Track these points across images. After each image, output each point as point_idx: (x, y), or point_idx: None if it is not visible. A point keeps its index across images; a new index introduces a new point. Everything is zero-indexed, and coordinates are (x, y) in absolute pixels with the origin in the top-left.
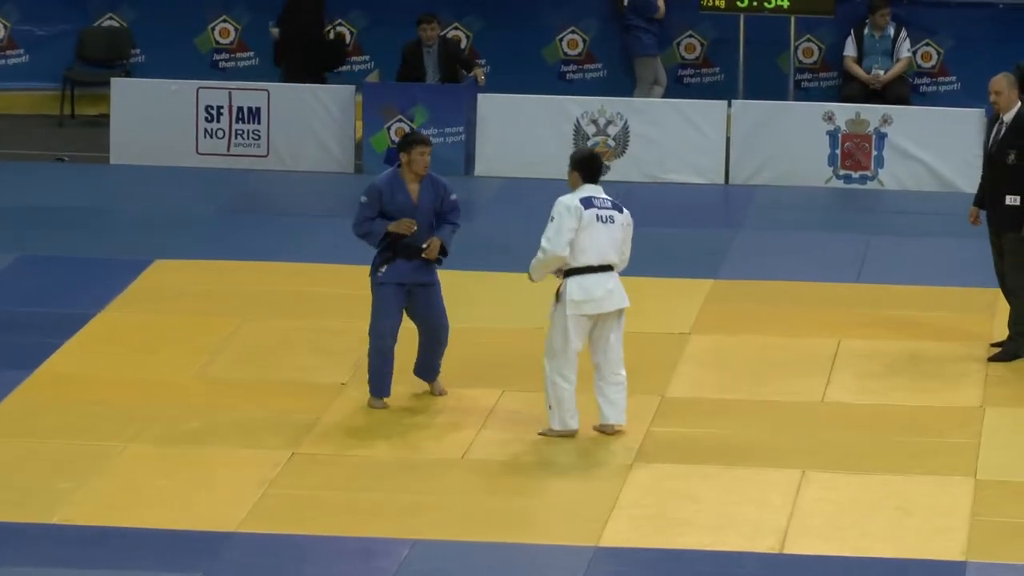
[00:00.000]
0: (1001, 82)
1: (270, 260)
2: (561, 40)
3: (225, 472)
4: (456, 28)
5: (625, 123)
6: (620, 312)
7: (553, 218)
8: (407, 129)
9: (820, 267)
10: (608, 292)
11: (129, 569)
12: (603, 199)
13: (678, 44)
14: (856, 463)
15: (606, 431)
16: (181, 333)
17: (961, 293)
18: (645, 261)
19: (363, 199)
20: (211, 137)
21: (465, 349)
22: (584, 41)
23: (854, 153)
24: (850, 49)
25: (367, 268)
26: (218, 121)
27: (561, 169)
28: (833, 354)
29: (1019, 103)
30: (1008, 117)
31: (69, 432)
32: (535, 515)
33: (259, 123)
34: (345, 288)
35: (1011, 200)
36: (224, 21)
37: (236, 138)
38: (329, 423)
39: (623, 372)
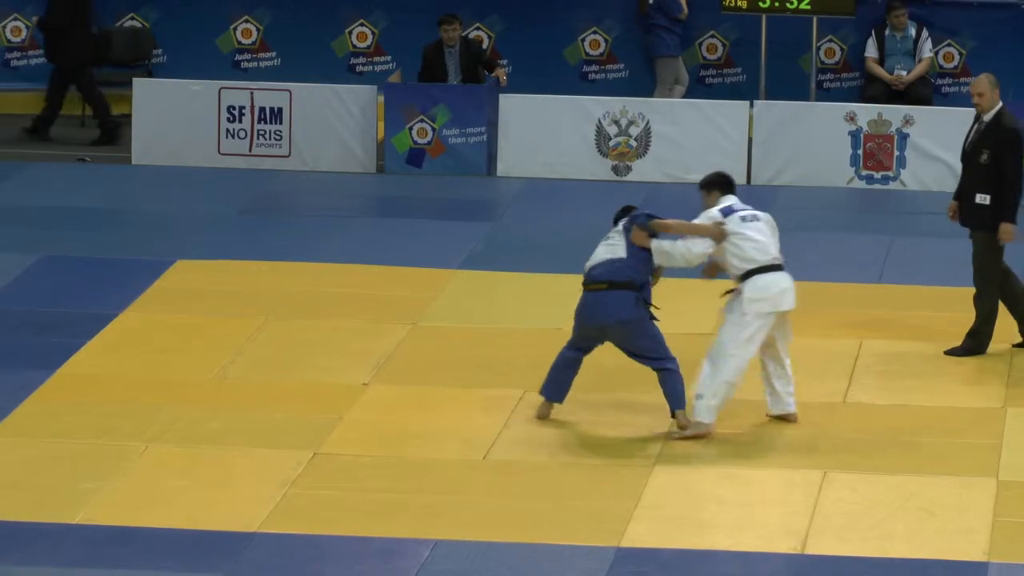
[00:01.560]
0: (984, 83)
1: (292, 260)
2: (583, 40)
3: (246, 472)
4: (478, 28)
5: (647, 123)
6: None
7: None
8: (428, 130)
9: (842, 267)
10: (783, 291)
11: (150, 569)
12: (742, 205)
13: (700, 44)
14: (877, 464)
15: (791, 419)
16: (203, 334)
17: None
18: None
19: None
20: (233, 137)
21: (486, 349)
22: (606, 41)
23: (876, 154)
24: (871, 50)
25: (388, 268)
26: (240, 121)
27: (583, 169)
28: (855, 354)
29: (1000, 104)
30: (987, 117)
31: (91, 432)
32: (556, 516)
33: (281, 123)
34: (367, 288)
35: (981, 199)
36: (246, 21)
37: (258, 138)
38: (351, 423)
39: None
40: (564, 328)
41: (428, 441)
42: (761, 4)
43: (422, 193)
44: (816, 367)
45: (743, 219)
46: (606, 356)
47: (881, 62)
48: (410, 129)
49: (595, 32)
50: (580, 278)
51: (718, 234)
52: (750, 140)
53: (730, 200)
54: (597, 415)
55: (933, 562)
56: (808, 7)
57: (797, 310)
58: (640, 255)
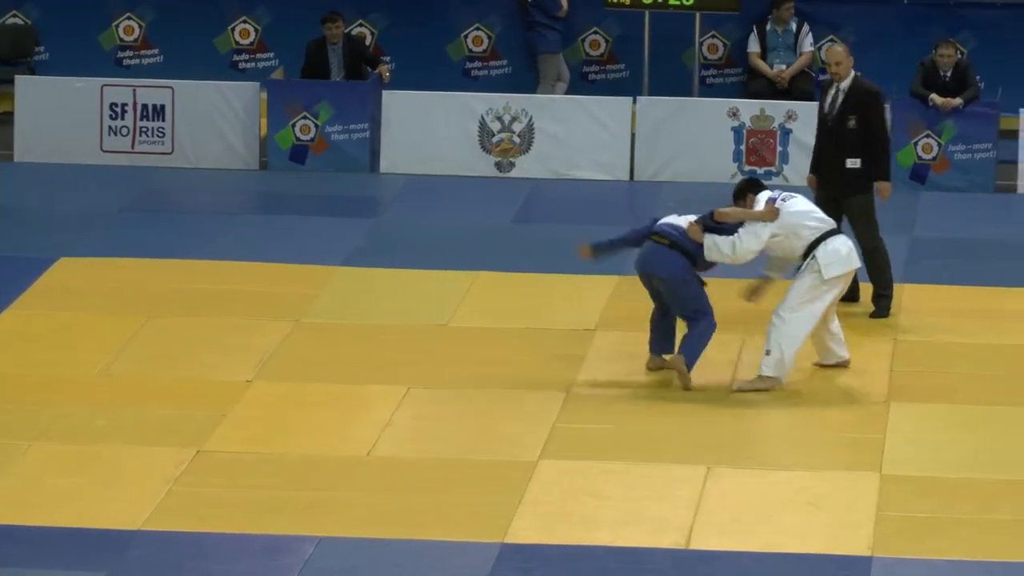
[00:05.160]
0: (840, 53)
1: (175, 258)
2: (466, 37)
3: (130, 470)
4: (361, 25)
5: (530, 120)
6: None
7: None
8: (312, 126)
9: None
10: (850, 250)
11: (34, 568)
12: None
13: (583, 41)
14: (762, 459)
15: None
16: (86, 331)
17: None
18: (549, 258)
19: None
20: (115, 135)
21: (370, 346)
22: (489, 38)
23: (759, 149)
24: (754, 45)
25: (271, 265)
26: (122, 119)
27: (466, 165)
28: (739, 349)
29: (853, 72)
30: (845, 85)
31: None
32: (441, 512)
33: (164, 120)
34: (250, 286)
35: (852, 163)
36: (128, 19)
37: (141, 135)
38: (235, 421)
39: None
40: (447, 323)
41: (312, 438)
42: (644, 0)
43: (305, 190)
44: (701, 361)
45: (783, 200)
46: (489, 351)
47: (763, 57)
48: (293, 126)
49: (478, 29)
50: (465, 274)
51: (772, 214)
52: (633, 136)
53: (765, 195)
54: (482, 410)
55: (819, 556)
56: (691, 3)
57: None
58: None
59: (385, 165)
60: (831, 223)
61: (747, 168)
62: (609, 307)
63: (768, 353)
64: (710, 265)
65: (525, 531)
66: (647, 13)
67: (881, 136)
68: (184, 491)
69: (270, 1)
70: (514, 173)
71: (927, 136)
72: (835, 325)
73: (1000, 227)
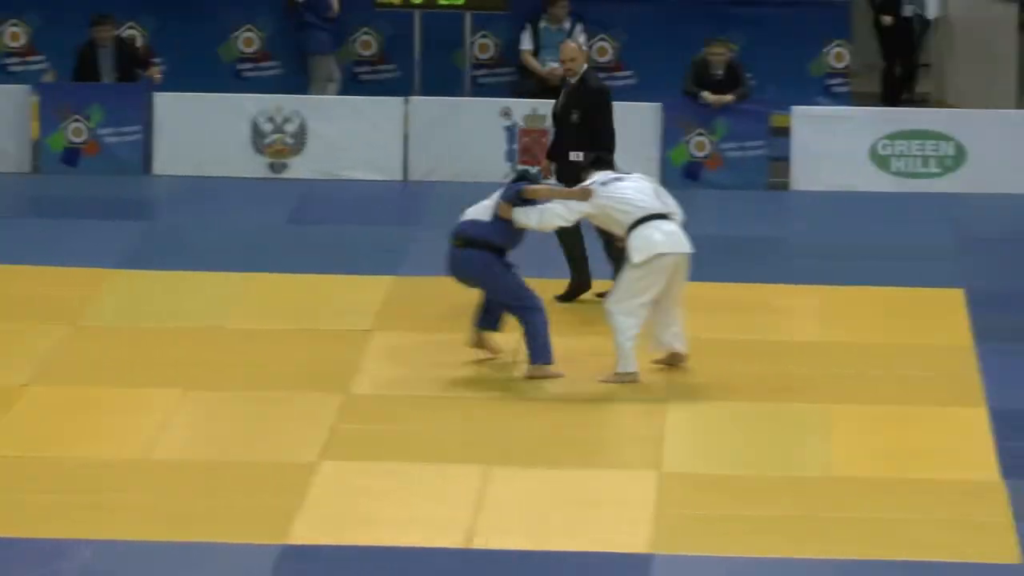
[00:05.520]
0: (574, 49)
1: None
2: (237, 38)
3: None
4: (131, 27)
5: (302, 121)
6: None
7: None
8: (84, 129)
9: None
10: (665, 234)
11: None
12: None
13: (354, 41)
14: (540, 458)
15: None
16: None
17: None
18: (324, 258)
19: None
20: None
21: (146, 349)
22: (260, 39)
23: (532, 148)
24: (527, 43)
25: (45, 268)
26: None
27: (239, 167)
28: (515, 351)
29: (585, 67)
30: (574, 80)
31: None
32: (220, 514)
33: None
34: (23, 289)
35: (575, 156)
36: None
37: None
38: (10, 425)
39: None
40: (223, 325)
41: (89, 441)
42: (414, 1)
43: (78, 192)
44: (476, 364)
45: (603, 183)
46: (265, 352)
47: (536, 55)
48: (65, 128)
49: (249, 30)
50: (240, 275)
51: (583, 194)
52: (406, 136)
53: (598, 176)
54: (260, 412)
55: (598, 555)
56: (461, 3)
57: (456, 306)
58: (504, 224)
59: (158, 167)
60: (652, 208)
61: (520, 168)
62: (384, 308)
63: (617, 348)
64: (517, 240)
65: (305, 532)
66: (417, 13)
67: (603, 133)
68: None
69: (40, 3)
70: (287, 174)
71: (699, 134)
72: (672, 316)
73: (773, 224)
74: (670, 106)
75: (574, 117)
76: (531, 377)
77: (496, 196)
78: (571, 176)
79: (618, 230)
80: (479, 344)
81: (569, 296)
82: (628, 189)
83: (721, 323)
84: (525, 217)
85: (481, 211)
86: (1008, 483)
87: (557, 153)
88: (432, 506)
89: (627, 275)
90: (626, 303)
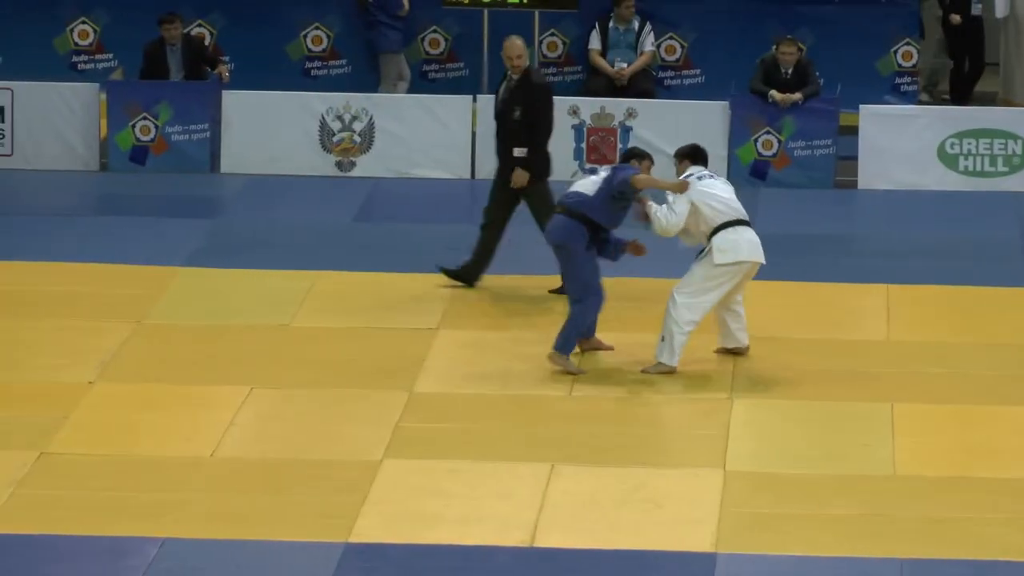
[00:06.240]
0: (520, 47)
1: (14, 260)
2: (305, 36)
3: None
4: (200, 26)
5: (371, 119)
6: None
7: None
8: (152, 127)
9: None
10: (749, 243)
11: None
12: (702, 171)
13: (422, 40)
14: (605, 456)
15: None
16: None
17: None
18: (390, 257)
19: None
20: None
21: (212, 346)
22: (328, 37)
23: (599, 147)
24: (595, 42)
25: (112, 266)
26: None
27: (306, 165)
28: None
29: (528, 63)
30: (517, 76)
31: None
32: (285, 512)
33: (3, 122)
34: (90, 287)
35: (518, 152)
36: None
37: None
38: (77, 423)
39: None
40: (289, 324)
41: (155, 439)
42: None
43: (145, 191)
44: (542, 361)
45: (699, 178)
46: (331, 351)
47: (604, 55)
48: (133, 127)
49: (317, 28)
50: (307, 274)
51: (680, 185)
52: (474, 134)
53: (692, 169)
54: (325, 410)
55: (661, 553)
56: (528, 2)
57: (521, 305)
58: (608, 203)
59: (226, 165)
60: (741, 213)
61: (588, 166)
62: (451, 306)
63: (662, 340)
64: (616, 221)
65: (369, 530)
66: (485, 12)
67: (541, 130)
68: (27, 494)
69: (109, 2)
70: (355, 172)
71: (767, 132)
72: (740, 310)
73: (840, 223)
74: (738, 104)
75: (516, 113)
76: (550, 359)
77: (604, 173)
78: (511, 172)
79: (702, 227)
80: (592, 347)
81: (459, 275)
82: (721, 189)
83: (788, 321)
84: (658, 222)
85: (588, 185)
86: None
87: (499, 149)
88: (495, 504)
89: (701, 271)
90: (693, 298)
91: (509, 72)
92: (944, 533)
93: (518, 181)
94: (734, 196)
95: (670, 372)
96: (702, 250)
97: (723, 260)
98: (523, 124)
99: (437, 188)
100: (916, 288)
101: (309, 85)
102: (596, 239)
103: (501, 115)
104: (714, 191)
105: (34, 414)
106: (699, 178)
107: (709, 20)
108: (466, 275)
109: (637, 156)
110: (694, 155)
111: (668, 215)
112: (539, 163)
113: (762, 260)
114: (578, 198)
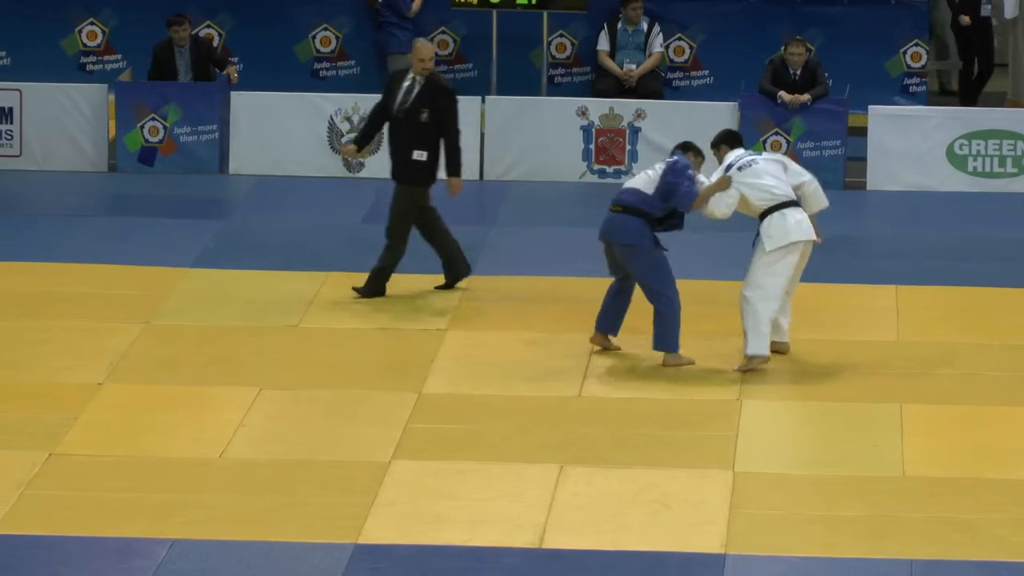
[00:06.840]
0: (431, 49)
1: (23, 260)
2: (314, 37)
3: None
4: (208, 27)
5: None
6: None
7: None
8: (160, 128)
9: (574, 263)
10: (796, 223)
11: None
12: (742, 157)
13: (431, 40)
14: (613, 457)
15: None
16: None
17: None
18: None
19: None
20: None
21: (221, 347)
22: (337, 38)
23: (608, 148)
24: (603, 43)
25: (121, 267)
26: None
27: (315, 166)
28: (588, 349)
29: (433, 67)
30: (423, 79)
31: None
32: (294, 513)
33: (12, 123)
34: (99, 288)
35: (418, 155)
36: None
37: None
38: (86, 423)
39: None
40: (298, 324)
41: (164, 440)
42: (491, 0)
43: (154, 191)
44: (551, 362)
45: (739, 168)
46: (340, 352)
47: (612, 56)
48: (142, 127)
49: (326, 29)
50: (315, 275)
51: (721, 184)
52: (482, 135)
53: (732, 155)
54: (334, 411)
55: (670, 554)
56: (537, 3)
57: (530, 305)
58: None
59: (234, 166)
60: (787, 195)
61: (596, 167)
62: (460, 307)
63: (745, 334)
64: (673, 223)
65: (378, 531)
66: (494, 12)
67: (454, 133)
68: (36, 494)
69: (116, 3)
70: (363, 173)
71: (776, 133)
72: (786, 308)
73: (849, 224)
74: (746, 105)
75: (424, 116)
76: (666, 365)
77: (659, 167)
78: (410, 175)
79: (750, 213)
80: (603, 345)
81: (450, 283)
82: (764, 174)
83: (797, 322)
84: (716, 209)
85: (643, 182)
86: None
87: (395, 150)
88: (504, 505)
89: (759, 261)
90: (765, 288)
91: (413, 73)
92: (954, 534)
93: (457, 189)
94: (780, 173)
95: (761, 364)
96: (754, 241)
97: (774, 245)
98: (429, 127)
99: (445, 189)
100: (925, 289)
101: (318, 86)
102: (662, 226)
103: (405, 116)
104: (756, 179)
105: (43, 415)
106: (739, 168)
107: (718, 21)
108: (454, 278)
109: (693, 150)
110: (730, 140)
111: (718, 205)
112: (450, 166)
113: (813, 237)
114: (637, 196)
